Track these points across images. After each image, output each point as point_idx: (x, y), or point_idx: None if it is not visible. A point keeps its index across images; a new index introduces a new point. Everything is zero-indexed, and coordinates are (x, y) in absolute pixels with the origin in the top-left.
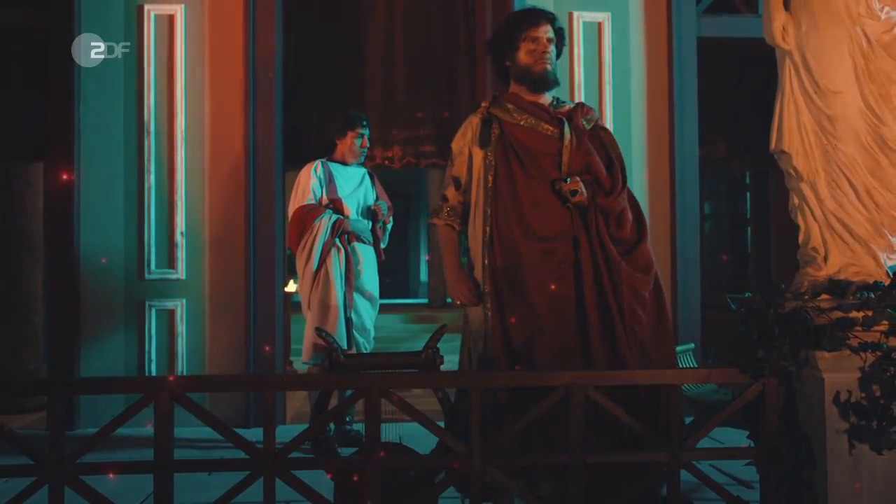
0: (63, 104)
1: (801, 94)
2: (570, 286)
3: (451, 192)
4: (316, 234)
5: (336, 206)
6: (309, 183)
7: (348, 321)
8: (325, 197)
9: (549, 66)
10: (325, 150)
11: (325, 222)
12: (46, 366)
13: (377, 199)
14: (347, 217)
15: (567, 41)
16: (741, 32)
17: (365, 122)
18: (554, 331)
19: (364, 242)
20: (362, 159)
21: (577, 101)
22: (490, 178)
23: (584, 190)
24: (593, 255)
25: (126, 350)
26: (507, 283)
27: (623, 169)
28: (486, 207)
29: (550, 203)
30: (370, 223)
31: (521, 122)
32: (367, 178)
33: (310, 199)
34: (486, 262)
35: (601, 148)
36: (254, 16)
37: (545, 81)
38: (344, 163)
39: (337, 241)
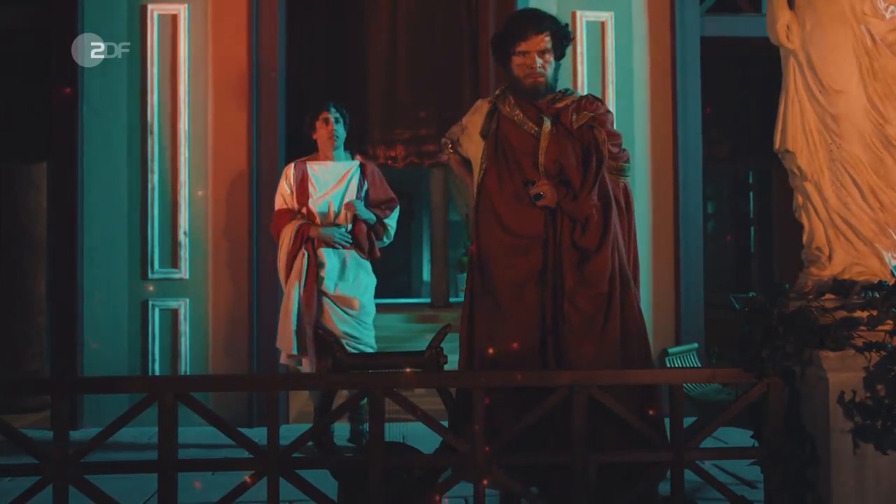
0: (67, 104)
1: (805, 93)
2: (536, 292)
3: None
4: (282, 241)
5: (306, 210)
6: (279, 189)
7: (302, 327)
8: (294, 202)
9: (539, 80)
10: None
11: (289, 229)
12: (50, 365)
13: (366, 192)
14: (316, 223)
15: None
16: (745, 32)
17: (332, 107)
18: (517, 333)
19: (337, 247)
20: (339, 143)
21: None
22: (481, 170)
23: (549, 194)
24: (553, 261)
25: (129, 350)
26: (482, 279)
27: (599, 171)
28: (475, 200)
29: (528, 203)
30: (349, 225)
31: (514, 118)
32: (358, 170)
33: (282, 205)
34: (470, 254)
35: (588, 147)
36: (257, 15)
37: (535, 94)
38: (326, 158)
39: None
